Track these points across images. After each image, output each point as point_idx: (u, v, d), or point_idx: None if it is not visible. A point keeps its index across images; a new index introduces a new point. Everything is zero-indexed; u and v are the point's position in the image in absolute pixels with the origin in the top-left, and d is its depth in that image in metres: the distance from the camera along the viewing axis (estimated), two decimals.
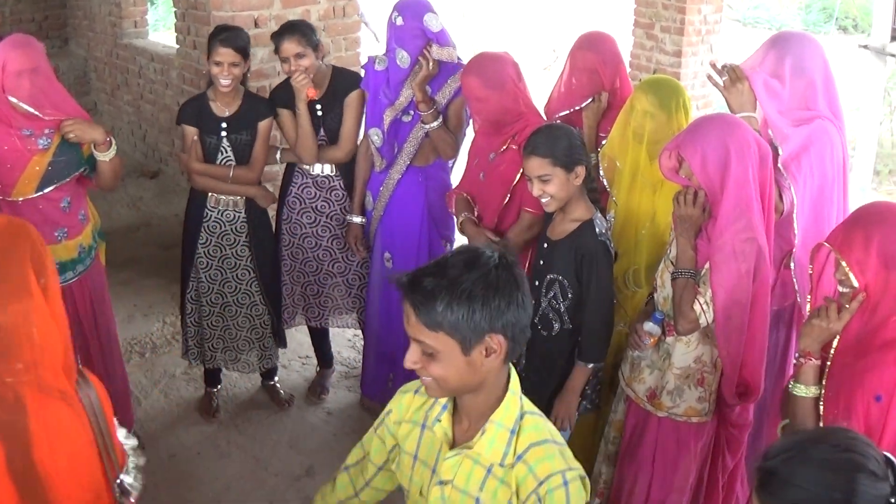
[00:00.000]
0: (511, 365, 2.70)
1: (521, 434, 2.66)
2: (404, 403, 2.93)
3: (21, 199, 4.76)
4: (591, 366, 4.31)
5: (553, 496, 2.60)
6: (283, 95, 5.51)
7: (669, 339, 4.16)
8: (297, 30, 5.30)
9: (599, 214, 4.24)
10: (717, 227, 3.84)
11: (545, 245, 4.33)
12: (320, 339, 6.32)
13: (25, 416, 2.66)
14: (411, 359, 2.56)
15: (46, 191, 4.79)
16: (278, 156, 5.68)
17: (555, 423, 4.18)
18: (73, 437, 2.79)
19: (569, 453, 2.70)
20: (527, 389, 4.34)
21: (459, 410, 2.76)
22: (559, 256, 4.22)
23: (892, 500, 2.22)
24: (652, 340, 4.16)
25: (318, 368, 6.42)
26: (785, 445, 2.35)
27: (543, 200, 4.16)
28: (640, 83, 4.64)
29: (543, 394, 4.40)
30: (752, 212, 3.83)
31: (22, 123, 4.69)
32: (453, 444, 2.76)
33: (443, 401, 2.76)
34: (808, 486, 2.23)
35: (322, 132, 5.56)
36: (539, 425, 2.70)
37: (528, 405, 2.73)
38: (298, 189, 5.69)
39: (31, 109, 4.63)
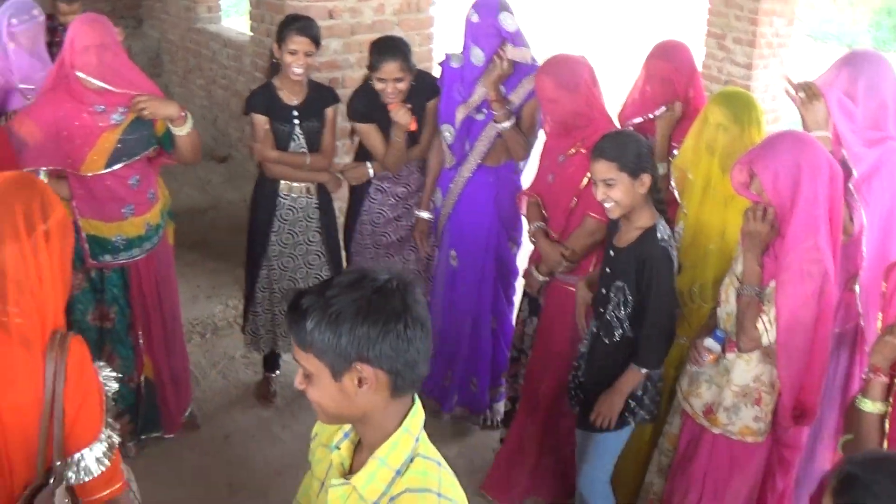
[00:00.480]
0: (416, 401, 2.44)
1: (404, 476, 2.37)
2: (327, 427, 2.63)
3: (90, 174, 4.84)
4: (643, 371, 4.29)
5: None
6: (365, 110, 5.48)
7: (730, 356, 4.13)
8: (400, 52, 5.26)
9: (663, 221, 4.22)
10: (785, 246, 3.82)
11: (611, 253, 4.32)
12: None
13: None
14: (297, 378, 2.38)
15: (115, 167, 4.85)
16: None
17: (594, 420, 4.21)
18: (19, 386, 2.79)
19: None
20: (586, 397, 4.41)
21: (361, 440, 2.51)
22: (623, 264, 4.21)
23: None
24: (711, 357, 4.14)
25: None
26: (870, 455, 2.44)
27: (607, 205, 4.14)
28: (715, 95, 4.59)
29: (597, 396, 4.41)
30: (820, 233, 3.80)
31: (93, 100, 4.76)
32: (349, 474, 2.49)
33: (346, 427, 2.53)
34: (886, 497, 2.27)
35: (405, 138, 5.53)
36: (428, 473, 2.39)
37: (428, 450, 2.43)
38: (378, 180, 5.68)
39: (100, 83, 4.69)
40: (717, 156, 4.40)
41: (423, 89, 5.44)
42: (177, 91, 10.66)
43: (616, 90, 5.19)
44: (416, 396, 2.45)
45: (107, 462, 2.98)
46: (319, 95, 5.55)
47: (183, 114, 4.89)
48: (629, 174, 4.04)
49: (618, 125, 4.99)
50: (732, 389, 4.13)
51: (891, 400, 3.32)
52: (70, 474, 2.94)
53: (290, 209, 5.63)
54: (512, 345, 5.53)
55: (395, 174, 5.60)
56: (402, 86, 5.27)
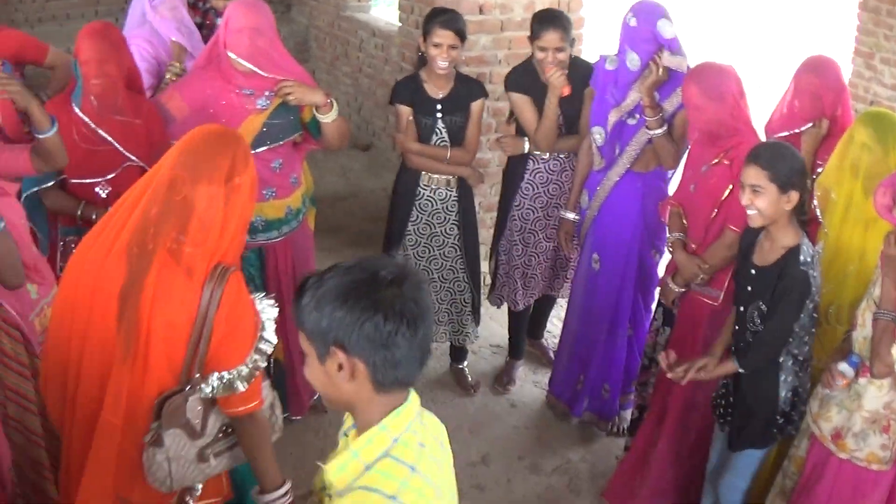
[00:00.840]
0: (409, 400, 2.38)
1: (368, 473, 2.31)
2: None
3: None
4: (738, 368, 4.23)
5: None
6: (519, 80, 5.57)
7: (862, 381, 4.04)
8: (562, 23, 5.33)
9: (807, 240, 4.14)
10: None
11: (752, 272, 4.24)
12: (517, 328, 6.36)
13: (146, 274, 3.20)
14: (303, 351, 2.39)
15: (258, 150, 4.86)
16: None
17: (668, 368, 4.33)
18: (175, 307, 3.16)
19: None
20: (735, 417, 4.36)
21: None
22: (765, 284, 4.14)
23: None
24: (844, 382, 4.05)
25: (507, 358, 6.45)
26: None
27: (749, 212, 4.08)
28: (862, 115, 4.51)
29: (753, 422, 4.37)
30: None
31: (242, 82, 4.82)
32: None
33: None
34: None
35: (560, 120, 5.59)
36: (391, 476, 2.30)
37: (404, 453, 2.33)
38: (531, 175, 5.73)
39: (249, 66, 4.75)
40: (860, 177, 4.29)
41: (581, 76, 5.46)
42: (323, 78, 10.76)
43: (763, 103, 5.10)
44: (414, 395, 2.40)
45: (242, 386, 3.32)
46: (466, 89, 5.55)
47: (329, 101, 4.91)
48: (778, 187, 3.97)
49: (763, 138, 4.88)
50: (862, 415, 4.06)
51: None
52: (207, 389, 3.30)
53: (430, 200, 5.66)
54: (643, 353, 5.49)
55: (544, 151, 5.62)
56: (563, 56, 5.34)
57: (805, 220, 4.22)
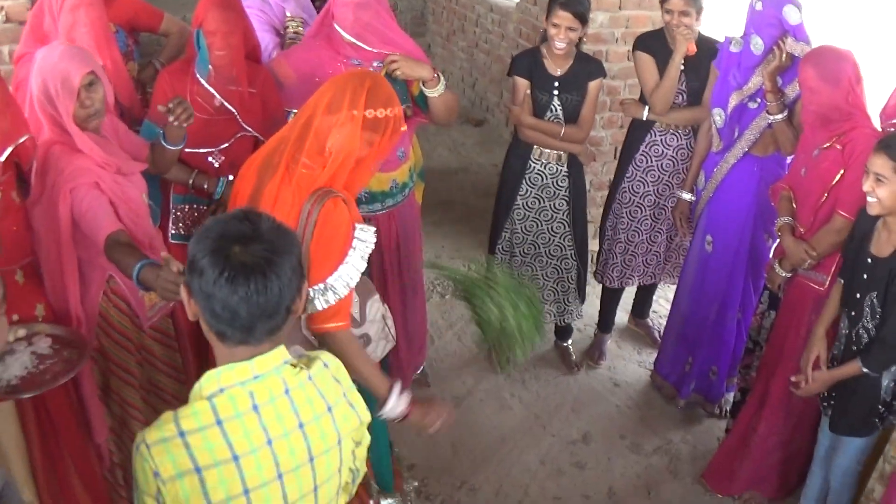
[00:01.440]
0: (253, 360, 2.40)
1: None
2: None
3: None
4: (864, 369, 4.16)
5: None
6: (649, 42, 5.63)
7: None
8: None
9: None
10: None
11: (869, 261, 4.18)
12: (609, 303, 6.39)
13: (266, 184, 3.58)
14: None
15: None
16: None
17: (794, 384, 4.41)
18: (284, 220, 2.90)
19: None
20: (839, 402, 4.36)
21: None
22: (880, 275, 4.09)
23: None
24: None
25: (596, 331, 6.49)
26: None
27: (869, 199, 4.03)
28: None
29: (847, 401, 4.36)
30: None
31: (349, 52, 4.82)
32: None
33: None
34: None
35: (683, 86, 5.62)
36: (196, 416, 2.36)
37: (221, 404, 2.38)
38: (647, 147, 5.77)
39: (352, 39, 4.75)
40: None
41: (706, 50, 5.49)
42: (438, 52, 10.80)
43: (880, 91, 5.01)
44: (265, 359, 2.42)
45: (319, 305, 3.52)
46: (585, 68, 5.54)
47: (435, 76, 4.90)
48: None
49: (877, 124, 4.80)
50: None
51: None
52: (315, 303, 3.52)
53: (540, 174, 5.65)
54: (748, 336, 5.45)
55: (659, 113, 5.63)
56: (687, 20, 5.38)
57: None
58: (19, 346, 3.72)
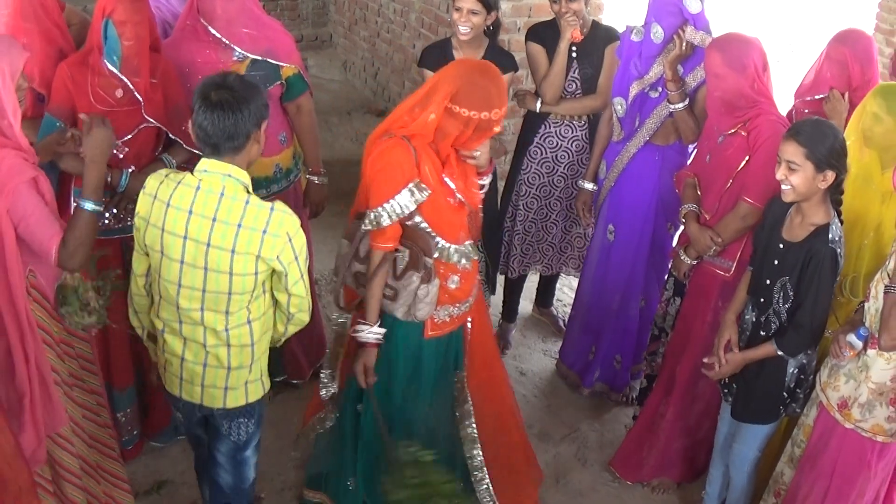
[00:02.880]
0: (196, 168, 3.71)
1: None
2: None
3: None
4: (779, 353, 4.24)
5: None
6: (541, 32, 5.66)
7: (871, 353, 4.08)
8: None
9: (837, 221, 4.15)
10: None
11: (781, 246, 4.24)
12: (511, 293, 6.42)
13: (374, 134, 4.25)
14: None
15: None
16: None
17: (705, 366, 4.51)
18: (387, 165, 4.06)
19: None
20: (741, 388, 4.41)
21: None
22: (793, 260, 4.15)
23: None
24: (852, 353, 4.09)
25: (500, 321, 6.49)
26: None
27: (783, 188, 4.09)
28: (877, 87, 4.53)
29: (750, 387, 4.43)
30: None
31: (216, 44, 4.88)
32: None
33: None
34: None
35: (575, 73, 5.64)
36: (152, 181, 3.81)
37: (163, 185, 3.75)
38: (541, 139, 5.78)
39: (214, 32, 4.81)
40: (873, 147, 4.32)
41: (602, 35, 5.56)
42: (341, 42, 10.73)
43: (785, 80, 5.10)
44: (199, 168, 3.67)
45: (370, 226, 4.10)
46: (495, 60, 5.43)
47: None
48: (814, 165, 3.97)
49: (783, 113, 4.91)
50: (869, 386, 4.10)
51: None
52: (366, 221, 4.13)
53: None
54: (653, 323, 5.51)
55: (549, 103, 5.67)
56: (575, 6, 5.40)
57: (839, 199, 4.18)
58: None
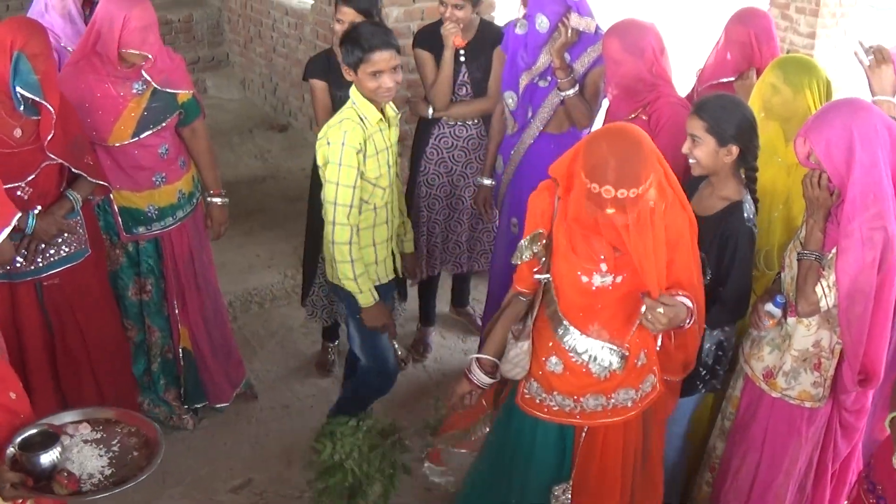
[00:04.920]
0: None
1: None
2: None
3: (118, 144, 4.87)
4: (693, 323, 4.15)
5: None
6: (428, 38, 5.63)
7: (791, 321, 4.10)
8: None
9: (749, 198, 4.17)
10: (846, 213, 3.75)
11: None
12: (426, 295, 6.40)
13: None
14: None
15: (143, 136, 4.89)
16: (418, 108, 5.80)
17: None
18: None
19: None
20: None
21: None
22: (704, 233, 4.09)
23: None
24: (771, 322, 4.11)
25: (419, 325, 6.49)
26: None
27: (691, 161, 4.12)
28: (776, 60, 4.57)
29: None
30: (886, 200, 3.72)
31: (115, 71, 4.81)
32: None
33: None
34: None
35: (465, 77, 5.64)
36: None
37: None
38: (436, 140, 5.78)
39: (145, 54, 4.77)
40: (774, 119, 4.36)
41: (490, 35, 5.54)
42: (237, 60, 10.69)
43: (686, 63, 5.16)
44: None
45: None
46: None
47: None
48: (716, 139, 4.00)
49: (681, 94, 4.94)
50: (792, 354, 4.12)
51: None
52: None
53: None
54: None
55: (439, 109, 5.66)
56: (461, 13, 5.38)
57: (753, 176, 4.19)
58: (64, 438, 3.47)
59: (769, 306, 4.09)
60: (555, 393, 3.94)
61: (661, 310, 3.57)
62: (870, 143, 3.69)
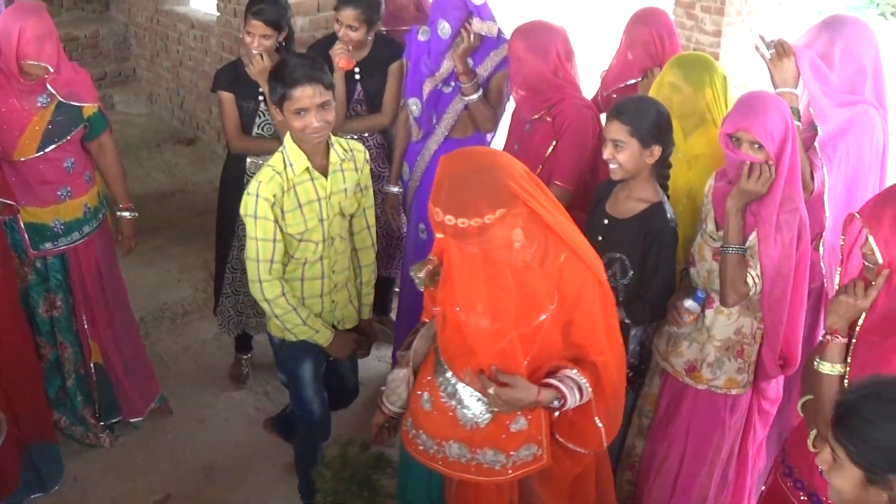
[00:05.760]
0: None
1: None
2: None
3: (23, 158, 4.81)
4: (626, 321, 4.21)
5: None
6: (322, 53, 5.53)
7: (709, 313, 4.16)
8: (362, 4, 5.37)
9: (667, 198, 4.20)
10: (767, 200, 3.84)
11: (605, 221, 4.26)
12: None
13: None
14: None
15: (48, 150, 4.84)
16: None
17: None
18: None
19: None
20: None
21: None
22: (623, 235, 4.17)
23: None
24: (691, 318, 4.13)
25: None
26: (862, 385, 2.54)
27: (611, 166, 4.10)
28: (674, 58, 4.62)
29: None
30: (795, 185, 3.87)
31: (21, 85, 4.75)
32: None
33: None
34: (883, 422, 2.42)
35: (360, 94, 5.64)
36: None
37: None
38: None
39: (45, 65, 4.70)
40: (674, 117, 4.34)
41: (384, 50, 5.55)
42: (144, 74, 10.61)
43: (590, 67, 5.21)
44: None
45: None
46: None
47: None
48: (640, 141, 4.01)
49: (587, 96, 4.99)
50: (715, 345, 4.18)
51: (849, 360, 3.30)
52: None
53: None
54: None
55: (342, 130, 5.58)
56: (355, 35, 5.40)
57: (666, 173, 4.24)
58: None
59: (689, 303, 4.11)
60: (421, 431, 3.71)
61: (491, 390, 3.35)
62: (793, 134, 3.83)
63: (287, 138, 4.19)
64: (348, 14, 5.34)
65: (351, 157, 4.34)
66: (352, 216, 4.48)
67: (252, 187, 4.11)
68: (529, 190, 3.08)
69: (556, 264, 3.25)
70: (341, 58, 5.38)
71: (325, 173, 4.25)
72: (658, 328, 4.46)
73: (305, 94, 4.02)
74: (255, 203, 4.07)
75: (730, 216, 3.92)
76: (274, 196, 4.09)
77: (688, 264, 4.28)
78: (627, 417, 4.72)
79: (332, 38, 5.59)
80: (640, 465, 4.62)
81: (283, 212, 4.14)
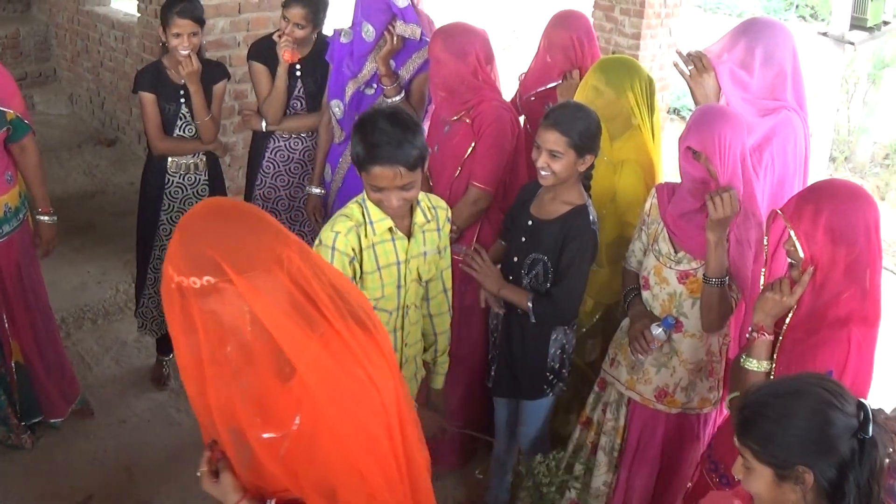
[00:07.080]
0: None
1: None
2: None
3: None
4: (529, 305, 4.19)
5: None
6: (263, 50, 5.60)
7: (676, 337, 4.17)
8: (311, 4, 5.43)
9: (591, 202, 4.21)
10: (736, 220, 3.89)
11: (529, 223, 4.28)
12: None
13: None
14: None
15: None
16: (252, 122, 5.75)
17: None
18: None
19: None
20: (500, 362, 4.46)
21: None
22: (547, 237, 4.19)
23: (859, 436, 2.40)
24: (658, 345, 4.16)
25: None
26: (757, 387, 2.60)
27: (543, 173, 4.09)
28: (598, 61, 4.66)
29: (514, 365, 4.46)
30: (754, 198, 3.96)
31: None
32: None
33: None
34: (779, 416, 2.45)
35: (300, 92, 5.66)
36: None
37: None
38: (272, 153, 5.78)
39: None
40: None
41: (325, 52, 5.52)
42: (65, 75, 10.52)
43: (512, 68, 5.25)
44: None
45: None
46: (208, 73, 5.49)
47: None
48: (576, 152, 4.01)
49: (505, 98, 5.01)
50: (688, 368, 4.20)
51: (775, 357, 3.37)
52: None
53: (179, 187, 5.56)
54: None
55: (271, 124, 5.66)
56: (300, 33, 5.43)
57: (590, 174, 4.24)
58: None
59: (657, 331, 4.12)
60: None
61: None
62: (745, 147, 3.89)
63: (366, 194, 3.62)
64: (297, 12, 5.36)
65: (434, 216, 3.85)
66: (428, 282, 4.04)
67: (327, 237, 3.57)
68: None
69: None
70: (286, 50, 5.40)
71: (407, 234, 3.75)
72: (594, 347, 4.60)
73: (385, 176, 3.48)
74: (332, 257, 3.53)
75: (712, 249, 3.89)
76: (353, 251, 3.60)
77: (642, 286, 4.30)
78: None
79: (270, 39, 5.59)
80: (613, 496, 4.56)
81: (361, 271, 3.66)
